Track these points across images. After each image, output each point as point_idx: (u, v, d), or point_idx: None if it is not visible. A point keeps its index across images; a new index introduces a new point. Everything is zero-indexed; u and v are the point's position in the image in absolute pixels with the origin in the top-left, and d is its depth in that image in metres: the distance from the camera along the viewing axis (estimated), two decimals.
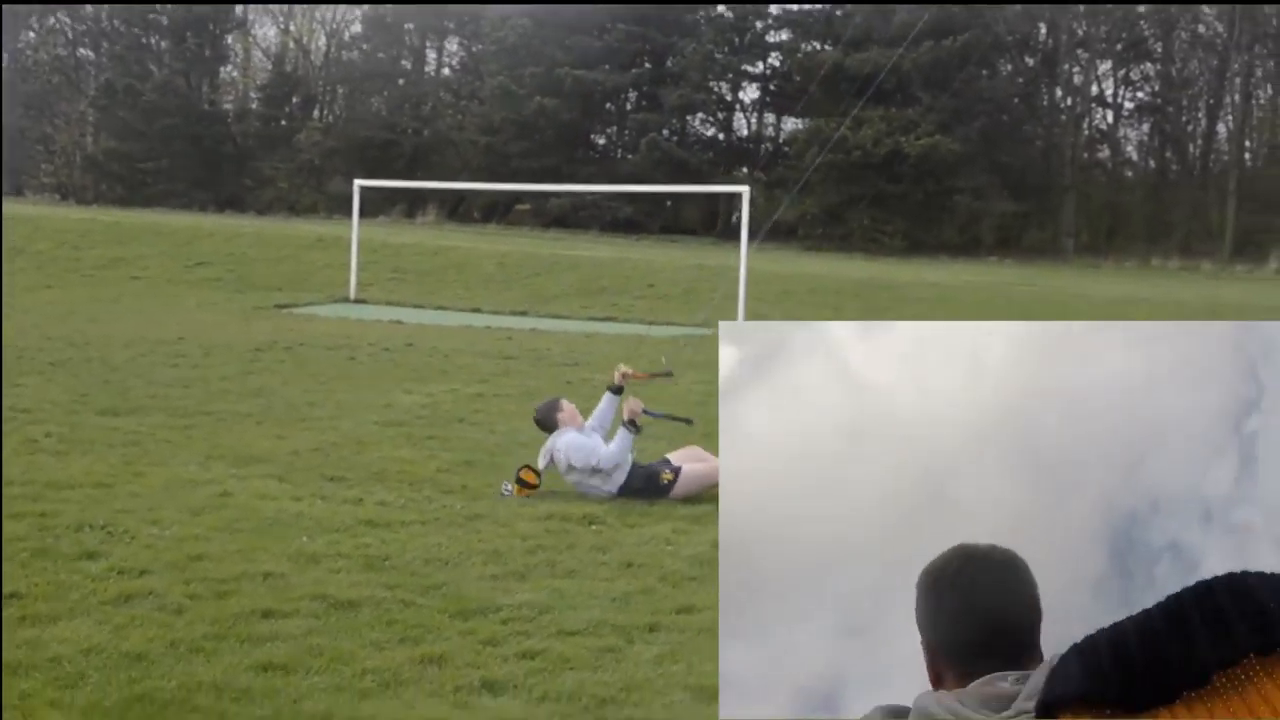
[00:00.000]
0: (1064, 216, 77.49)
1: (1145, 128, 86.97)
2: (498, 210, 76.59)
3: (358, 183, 39.65)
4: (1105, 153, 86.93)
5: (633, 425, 11.85)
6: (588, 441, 11.77)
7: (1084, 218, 79.72)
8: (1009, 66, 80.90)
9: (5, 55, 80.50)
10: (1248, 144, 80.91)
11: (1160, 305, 37.68)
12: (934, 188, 70.53)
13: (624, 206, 73.52)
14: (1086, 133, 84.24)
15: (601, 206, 73.54)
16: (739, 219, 36.32)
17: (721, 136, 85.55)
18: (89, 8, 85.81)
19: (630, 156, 79.96)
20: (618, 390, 12.40)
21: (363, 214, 39.18)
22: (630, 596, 8.53)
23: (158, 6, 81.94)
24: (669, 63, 78.98)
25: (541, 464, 11.81)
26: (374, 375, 19.29)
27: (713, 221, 79.23)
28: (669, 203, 79.00)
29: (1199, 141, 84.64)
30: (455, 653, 7.31)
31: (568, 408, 12.15)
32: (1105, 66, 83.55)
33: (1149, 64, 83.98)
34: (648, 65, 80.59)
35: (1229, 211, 74.16)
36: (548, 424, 12.04)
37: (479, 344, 24.25)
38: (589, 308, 35.37)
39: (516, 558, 9.42)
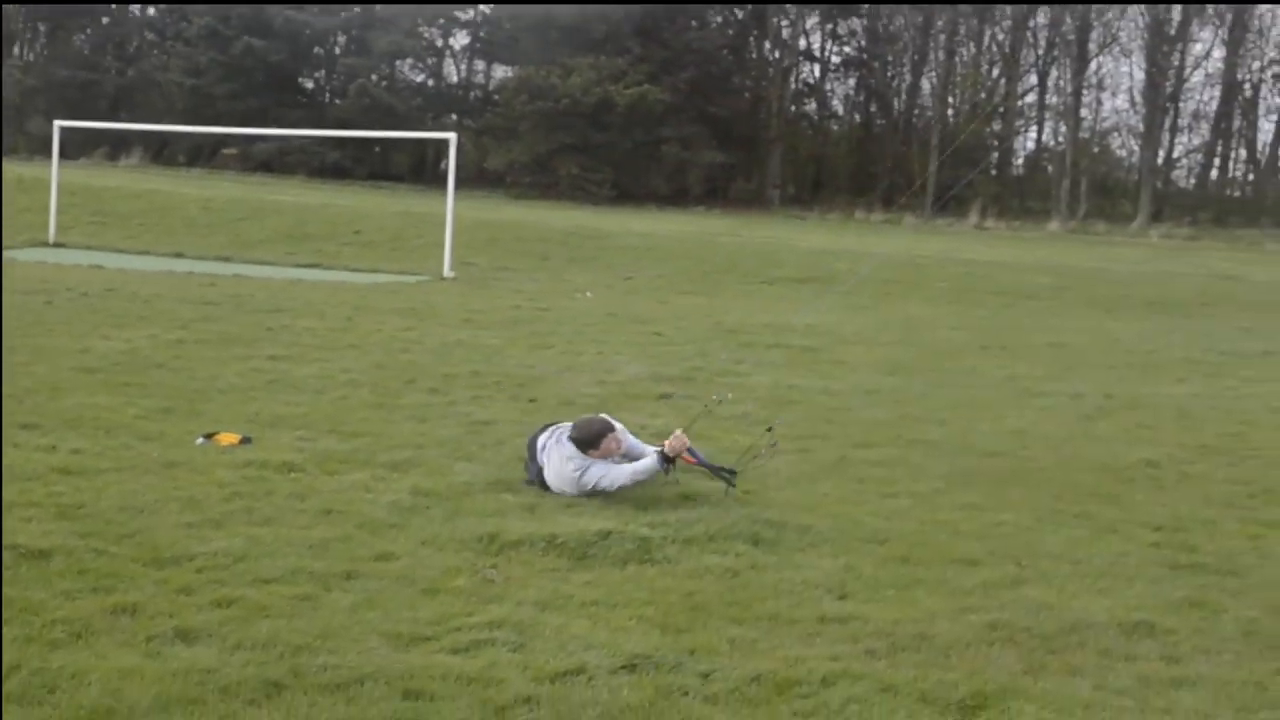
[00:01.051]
0: (771, 168, 78.63)
1: (851, 82, 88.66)
2: (203, 154, 75.25)
3: (58, 123, 38.67)
4: (812, 106, 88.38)
5: (668, 464, 10.29)
6: (620, 475, 10.30)
7: (790, 169, 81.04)
8: (719, 18, 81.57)
9: None
10: (950, 100, 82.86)
11: (862, 256, 38.48)
12: (642, 137, 71.01)
13: (332, 152, 72.83)
14: (794, 86, 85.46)
15: (309, 152, 72.70)
16: (447, 166, 36.17)
17: (431, 83, 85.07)
18: None
19: (339, 101, 79.17)
20: (668, 460, 10.29)
21: (64, 156, 38.23)
22: (328, 544, 8.51)
23: None
24: (379, 7, 78.20)
25: (571, 475, 10.28)
26: (72, 320, 18.84)
27: (421, 168, 78.81)
28: (377, 149, 78.38)
29: (903, 97, 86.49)
30: (148, 602, 7.22)
31: (618, 439, 10.59)
32: (813, 20, 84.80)
33: (856, 19, 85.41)
34: (358, 9, 79.70)
35: (931, 166, 75.93)
36: (590, 445, 10.39)
37: (181, 289, 23.84)
38: (294, 254, 34.98)
39: (214, 505, 9.32)
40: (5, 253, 30.99)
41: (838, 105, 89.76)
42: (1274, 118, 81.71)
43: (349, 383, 14.84)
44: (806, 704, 6.38)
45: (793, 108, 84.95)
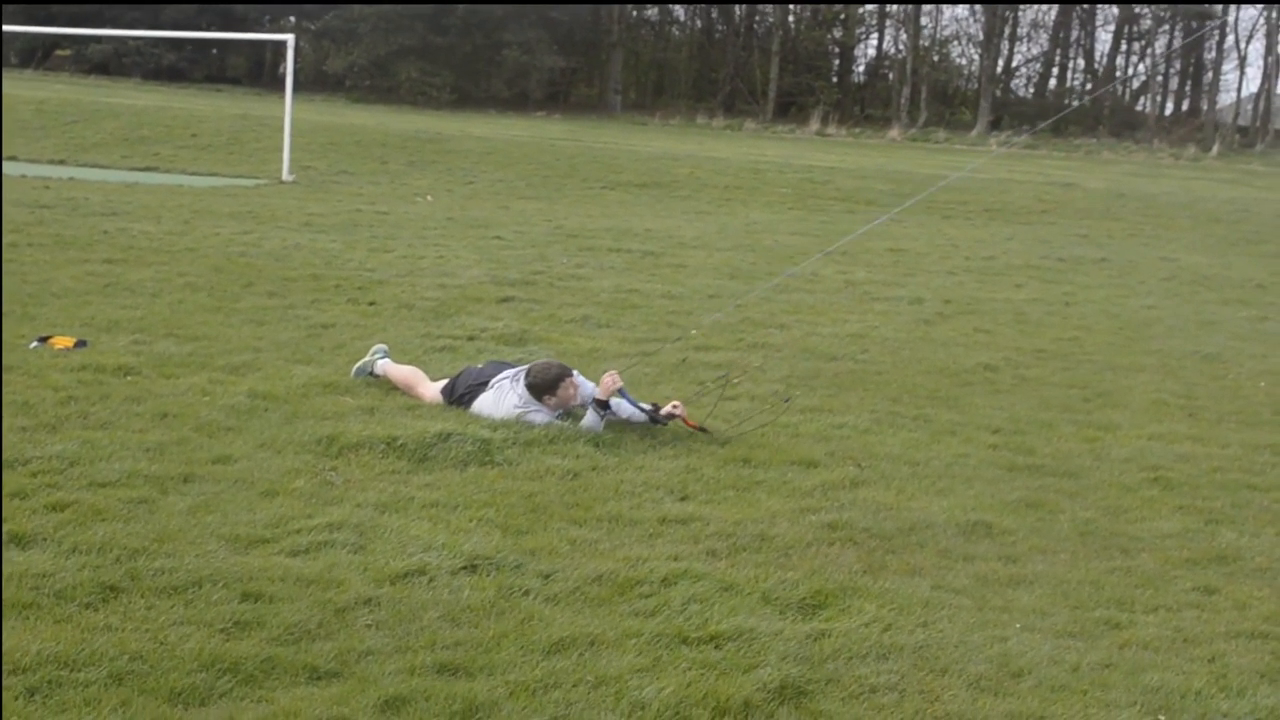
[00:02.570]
0: (612, 73, 78.32)
1: None
2: (36, 55, 73.54)
3: None
4: (653, 11, 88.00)
5: (604, 408, 9.71)
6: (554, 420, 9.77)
7: (632, 75, 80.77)
8: None
9: None
10: (792, 6, 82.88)
11: (702, 161, 38.50)
12: (483, 41, 70.42)
13: (168, 54, 71.45)
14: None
15: (145, 54, 71.28)
16: (285, 69, 35.66)
17: None
18: None
19: (175, 3, 77.62)
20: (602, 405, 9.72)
21: None
22: (165, 447, 8.39)
23: None
24: None
25: (511, 408, 9.70)
26: None
27: (259, 71, 77.66)
28: (214, 51, 77.01)
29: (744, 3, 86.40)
30: None
31: (575, 384, 9.90)
32: None
33: None
34: None
35: (772, 72, 76.06)
36: (546, 391, 9.76)
37: (13, 193, 23.30)
38: (130, 158, 34.32)
39: (48, 409, 9.15)
40: None
41: (679, 11, 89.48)
42: (1111, 28, 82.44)
43: (186, 286, 14.62)
44: (647, 604, 6.41)
45: (634, 13, 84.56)
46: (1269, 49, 76.79)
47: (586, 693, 5.48)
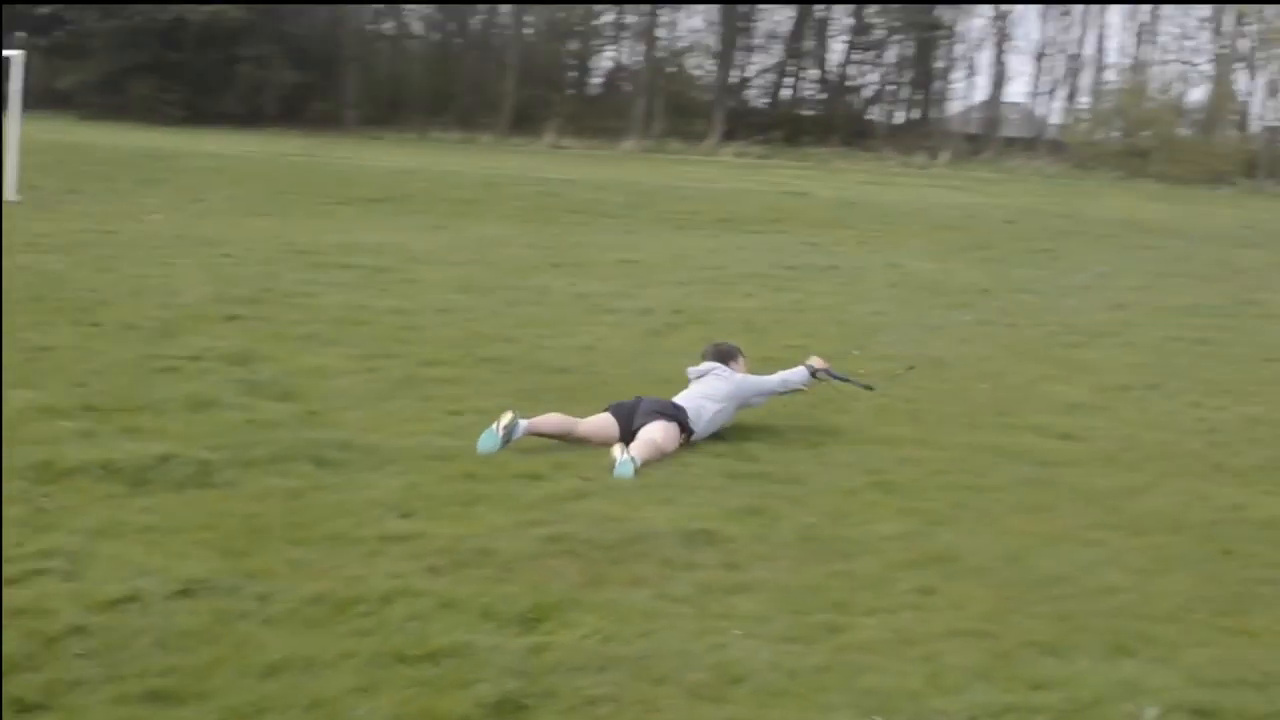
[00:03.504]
0: (347, 88, 77.64)
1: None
2: None
3: None
4: (390, 24, 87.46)
5: (813, 376, 11.40)
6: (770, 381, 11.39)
7: (367, 89, 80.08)
8: None
9: None
10: (528, 19, 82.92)
11: (437, 175, 38.37)
12: (217, 56, 69.41)
13: None
14: (372, 4, 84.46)
15: None
16: (9, 86, 34.68)
17: None
18: None
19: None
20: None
21: None
22: None
23: None
24: None
25: (727, 395, 10.91)
26: None
27: None
28: None
29: (482, 15, 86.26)
30: None
31: (745, 358, 11.61)
32: None
33: None
34: None
35: (509, 85, 76.06)
36: (730, 358, 11.42)
37: None
38: None
39: None
40: None
41: (416, 24, 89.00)
42: (845, 38, 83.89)
43: None
44: (366, 622, 6.32)
45: (370, 26, 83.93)
46: (996, 57, 78.84)
47: (300, 715, 5.38)
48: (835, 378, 11.47)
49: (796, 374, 11.27)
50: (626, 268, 21.49)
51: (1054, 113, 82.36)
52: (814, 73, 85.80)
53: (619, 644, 6.24)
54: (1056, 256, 27.70)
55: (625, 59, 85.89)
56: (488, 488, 8.66)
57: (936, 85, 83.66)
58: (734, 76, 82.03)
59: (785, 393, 11.31)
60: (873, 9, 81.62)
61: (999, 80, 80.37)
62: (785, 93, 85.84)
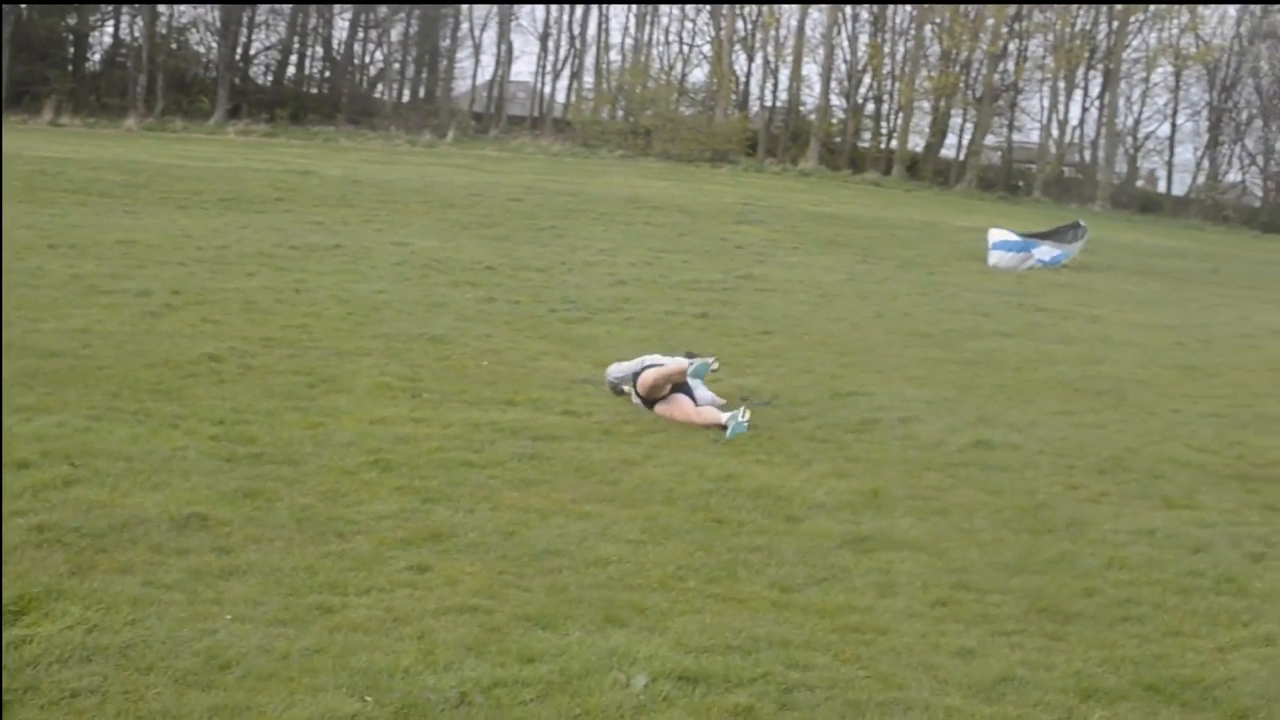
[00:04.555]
0: None
1: None
2: None
3: None
4: None
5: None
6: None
7: None
8: None
9: None
10: None
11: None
12: None
13: None
14: None
15: None
16: None
17: None
18: None
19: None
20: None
21: None
22: None
23: None
24: None
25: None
26: None
27: None
28: None
29: None
30: None
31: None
32: None
33: None
34: None
35: (3, 60, 73.23)
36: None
37: None
38: None
39: None
40: None
41: None
42: (348, 16, 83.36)
43: None
44: None
45: None
46: (502, 37, 79.57)
47: None
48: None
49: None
50: (125, 248, 20.89)
51: (559, 92, 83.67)
52: (318, 50, 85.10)
53: (105, 634, 6.11)
54: (561, 234, 28.15)
55: (125, 34, 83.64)
56: None
57: (443, 64, 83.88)
58: (238, 53, 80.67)
59: None
60: None
61: (505, 59, 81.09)
62: (290, 70, 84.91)
